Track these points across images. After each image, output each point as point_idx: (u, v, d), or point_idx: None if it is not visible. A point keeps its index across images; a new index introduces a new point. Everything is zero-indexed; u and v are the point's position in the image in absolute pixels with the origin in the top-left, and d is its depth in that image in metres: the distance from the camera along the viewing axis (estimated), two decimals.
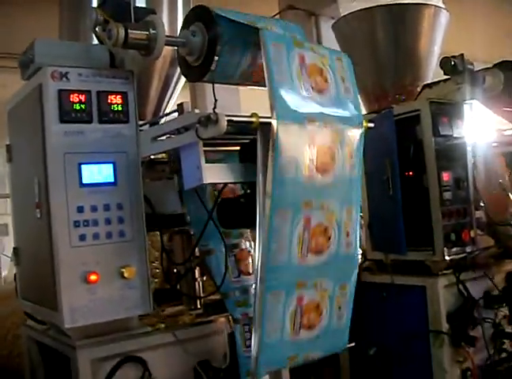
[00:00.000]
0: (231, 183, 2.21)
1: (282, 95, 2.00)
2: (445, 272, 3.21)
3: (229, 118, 1.91)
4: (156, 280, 3.25)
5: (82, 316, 2.18)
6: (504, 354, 3.41)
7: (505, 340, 3.42)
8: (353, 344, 2.42)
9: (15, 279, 2.76)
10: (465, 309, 3.23)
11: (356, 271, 2.34)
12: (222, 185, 2.29)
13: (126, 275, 2.22)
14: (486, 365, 3.30)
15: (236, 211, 2.21)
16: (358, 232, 2.30)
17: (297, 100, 2.04)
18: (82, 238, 2.19)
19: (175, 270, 2.69)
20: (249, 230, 2.45)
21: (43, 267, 2.28)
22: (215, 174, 2.06)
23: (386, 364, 3.40)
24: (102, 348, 2.31)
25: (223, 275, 2.31)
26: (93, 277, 2.17)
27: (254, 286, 2.08)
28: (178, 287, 2.70)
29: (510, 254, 3.42)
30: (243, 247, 2.38)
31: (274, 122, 1.95)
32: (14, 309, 3.55)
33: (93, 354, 2.29)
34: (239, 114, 2.00)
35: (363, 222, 3.57)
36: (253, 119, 1.97)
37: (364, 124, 2.27)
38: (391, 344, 3.36)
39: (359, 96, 2.39)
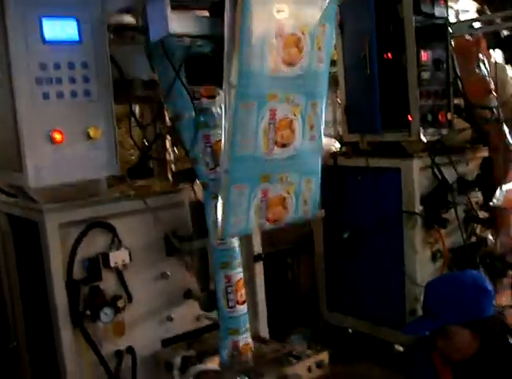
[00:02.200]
0: (198, 37, 2.10)
1: None
2: (420, 154, 3.20)
3: None
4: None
5: (47, 176, 2.14)
6: (474, 239, 3.47)
7: (476, 225, 3.47)
8: (323, 213, 2.41)
9: None
10: (439, 191, 3.25)
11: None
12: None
13: (91, 135, 2.16)
14: (457, 248, 3.36)
15: (204, 66, 2.13)
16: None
17: None
18: (45, 96, 2.11)
19: (145, 142, 2.64)
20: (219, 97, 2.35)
21: (7, 130, 2.21)
22: (182, 24, 1.97)
23: (360, 246, 3.45)
24: (70, 213, 2.27)
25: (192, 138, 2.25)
26: (58, 136, 2.11)
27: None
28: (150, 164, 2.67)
29: (485, 139, 3.40)
30: (214, 112, 2.29)
31: None
32: None
33: (61, 218, 2.26)
34: None
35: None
36: None
37: None
38: (365, 227, 3.39)
39: None
